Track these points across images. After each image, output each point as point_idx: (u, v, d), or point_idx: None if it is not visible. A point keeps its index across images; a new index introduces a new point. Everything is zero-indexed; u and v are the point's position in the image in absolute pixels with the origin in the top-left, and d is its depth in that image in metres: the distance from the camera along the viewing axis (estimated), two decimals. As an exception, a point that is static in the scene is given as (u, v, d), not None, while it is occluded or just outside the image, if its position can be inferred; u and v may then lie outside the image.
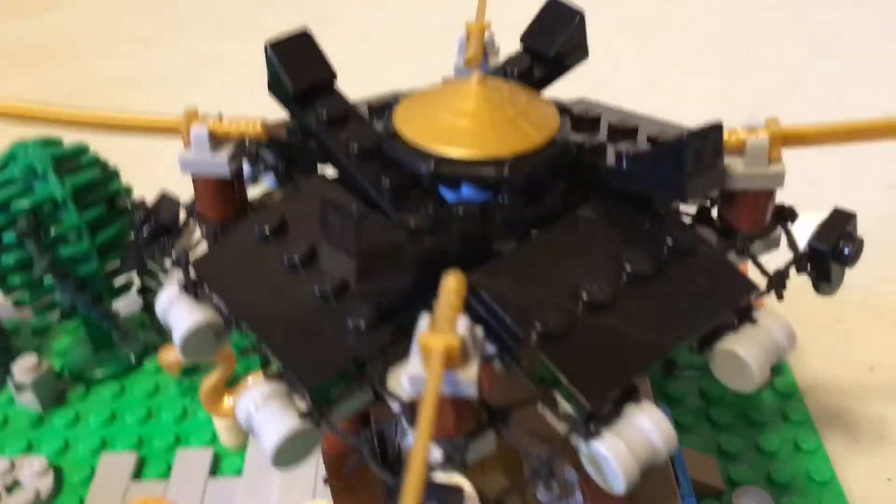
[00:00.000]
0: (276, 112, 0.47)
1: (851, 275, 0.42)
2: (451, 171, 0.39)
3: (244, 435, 0.64)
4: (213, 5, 1.39)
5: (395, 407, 0.37)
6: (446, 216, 0.39)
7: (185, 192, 0.48)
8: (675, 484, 0.50)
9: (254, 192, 0.51)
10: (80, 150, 0.66)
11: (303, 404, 0.38)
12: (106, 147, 0.68)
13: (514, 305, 0.37)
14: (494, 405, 0.36)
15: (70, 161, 0.65)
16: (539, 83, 0.48)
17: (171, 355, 0.65)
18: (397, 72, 0.54)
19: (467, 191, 0.41)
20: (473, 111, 0.41)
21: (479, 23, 0.52)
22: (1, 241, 0.64)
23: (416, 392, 0.33)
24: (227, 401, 0.63)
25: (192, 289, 0.43)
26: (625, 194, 0.41)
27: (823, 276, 0.42)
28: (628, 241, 0.40)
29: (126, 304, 0.74)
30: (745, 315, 0.39)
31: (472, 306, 0.38)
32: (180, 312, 0.42)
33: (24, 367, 0.68)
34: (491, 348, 0.38)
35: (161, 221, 0.47)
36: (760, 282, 0.41)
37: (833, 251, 0.41)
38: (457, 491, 0.32)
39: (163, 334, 0.72)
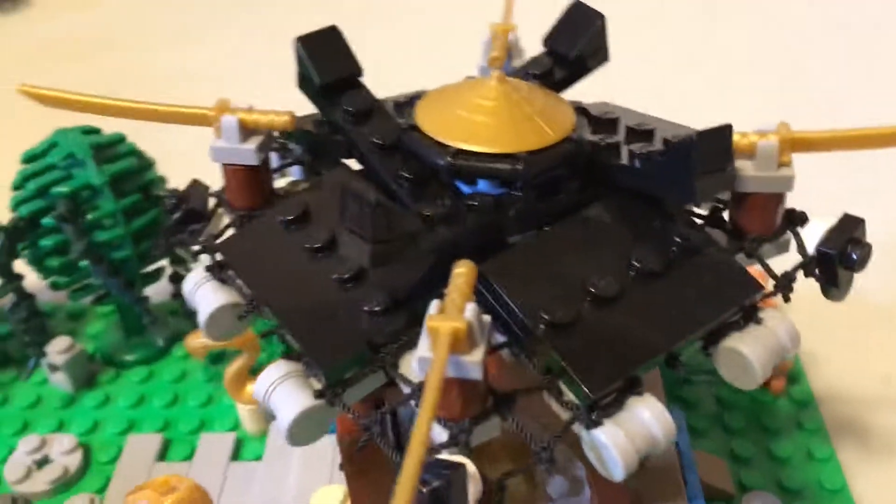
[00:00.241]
0: (308, 109, 0.49)
1: (872, 285, 0.43)
2: (467, 165, 0.41)
3: (266, 421, 0.66)
4: (253, 2, 1.42)
5: (405, 389, 0.38)
6: (461, 208, 0.41)
7: (216, 185, 0.50)
8: (682, 483, 0.51)
9: (281, 183, 0.53)
10: (118, 139, 0.69)
11: (318, 384, 0.39)
12: (144, 141, 0.71)
13: (523, 296, 0.38)
14: (501, 392, 0.37)
15: (108, 149, 0.67)
16: (560, 84, 0.49)
17: (196, 340, 0.67)
18: (427, 71, 0.56)
19: (483, 185, 0.42)
20: (492, 108, 0.42)
21: (504, 24, 0.54)
22: (40, 225, 0.67)
23: (424, 373, 0.35)
24: (251, 388, 0.65)
25: (217, 272, 0.45)
26: (637, 193, 0.43)
27: (831, 281, 0.42)
28: (638, 238, 0.41)
29: (157, 292, 0.76)
30: (750, 315, 0.40)
31: (483, 295, 0.39)
32: (205, 293, 0.44)
33: (58, 349, 0.71)
34: (500, 337, 0.40)
35: (191, 207, 0.49)
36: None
37: (840, 255, 0.41)
38: (459, 467, 0.34)
39: (192, 321, 0.74)
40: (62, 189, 0.65)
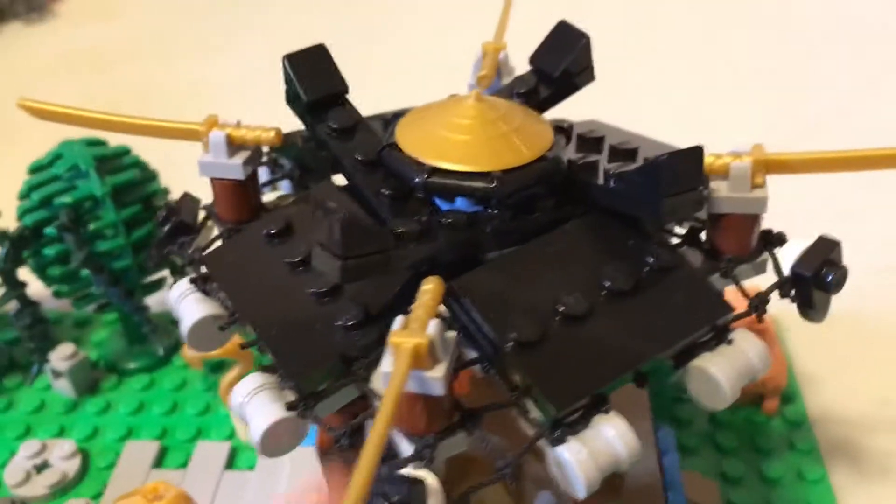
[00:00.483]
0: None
1: (873, 307, 0.42)
2: (442, 183, 0.41)
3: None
4: (270, 16, 1.44)
5: (375, 403, 0.39)
6: (436, 225, 0.41)
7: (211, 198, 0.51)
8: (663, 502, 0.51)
9: (271, 197, 0.54)
10: (123, 152, 0.70)
11: (291, 396, 0.40)
12: (150, 153, 0.72)
13: (492, 313, 0.39)
14: (467, 407, 0.38)
15: (112, 161, 0.69)
16: (544, 103, 0.49)
17: (192, 350, 0.68)
18: (421, 88, 0.57)
19: (461, 202, 0.43)
20: (468, 127, 0.43)
21: (496, 43, 0.54)
22: (43, 234, 0.68)
23: (388, 388, 0.35)
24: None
25: (201, 283, 0.46)
26: (614, 212, 0.43)
27: (806, 303, 0.42)
28: (611, 257, 0.41)
29: (159, 301, 0.77)
30: (721, 335, 0.40)
31: (455, 312, 0.40)
32: (188, 305, 0.45)
33: (61, 355, 0.72)
34: (473, 353, 0.40)
35: (181, 219, 0.50)
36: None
37: (815, 277, 0.41)
38: (418, 483, 0.34)
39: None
40: (65, 199, 0.67)
